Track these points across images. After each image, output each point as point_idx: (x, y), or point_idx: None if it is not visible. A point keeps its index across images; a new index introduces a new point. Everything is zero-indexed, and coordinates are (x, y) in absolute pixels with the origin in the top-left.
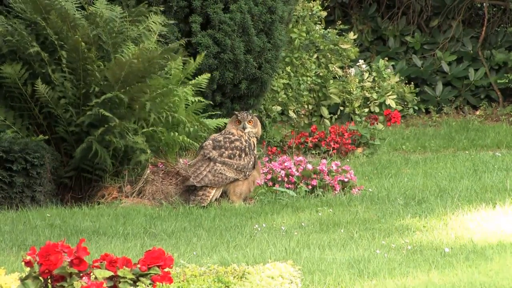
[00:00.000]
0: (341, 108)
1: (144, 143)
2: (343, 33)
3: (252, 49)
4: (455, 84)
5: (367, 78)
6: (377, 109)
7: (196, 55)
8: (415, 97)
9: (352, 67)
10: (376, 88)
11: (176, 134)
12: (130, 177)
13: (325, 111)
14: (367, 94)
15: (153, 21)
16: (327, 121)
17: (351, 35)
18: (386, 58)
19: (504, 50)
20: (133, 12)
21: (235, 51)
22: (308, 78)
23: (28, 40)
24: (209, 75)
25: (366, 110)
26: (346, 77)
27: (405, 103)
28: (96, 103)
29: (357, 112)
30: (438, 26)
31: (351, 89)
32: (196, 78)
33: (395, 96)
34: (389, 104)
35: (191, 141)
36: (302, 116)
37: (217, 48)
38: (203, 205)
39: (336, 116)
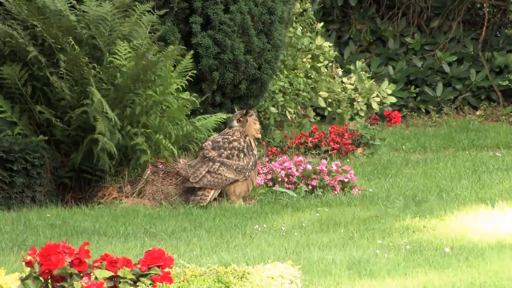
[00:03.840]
0: (329, 109)
1: (144, 143)
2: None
3: (252, 50)
4: (456, 85)
5: (348, 81)
6: (362, 114)
7: (197, 55)
8: (404, 97)
9: (338, 68)
10: (360, 90)
11: (160, 137)
12: (130, 177)
13: (311, 113)
14: (352, 95)
15: (141, 12)
16: (308, 123)
17: (327, 44)
18: (363, 60)
19: (505, 53)
20: (119, 7)
21: (235, 51)
22: (300, 79)
23: (25, 44)
24: (191, 52)
25: (350, 111)
26: (332, 78)
27: (384, 104)
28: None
29: (348, 112)
30: (439, 26)
31: (337, 90)
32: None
33: (378, 100)
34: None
35: (171, 146)
36: (300, 116)
37: (217, 48)
38: (202, 204)
39: (319, 118)
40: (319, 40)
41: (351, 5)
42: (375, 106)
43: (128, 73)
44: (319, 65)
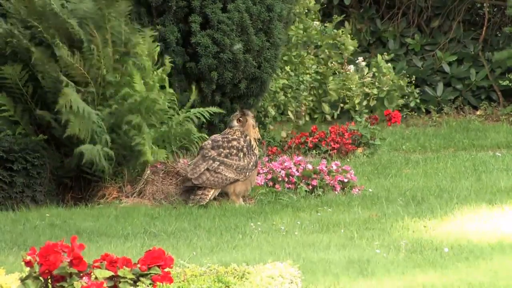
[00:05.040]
0: (342, 105)
1: (143, 142)
2: (341, 26)
3: (251, 49)
4: (456, 85)
5: (367, 73)
6: (375, 103)
7: (196, 55)
8: (417, 92)
9: (350, 64)
10: (376, 83)
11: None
12: (130, 177)
13: (326, 108)
14: (367, 90)
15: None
16: (328, 117)
17: (347, 25)
18: (386, 53)
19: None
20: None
21: (234, 50)
22: (308, 75)
23: (27, 45)
24: (168, 58)
25: (365, 103)
26: (346, 73)
27: (406, 97)
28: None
29: (357, 108)
30: (439, 26)
31: (351, 86)
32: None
33: (397, 93)
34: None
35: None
36: (302, 115)
37: (216, 48)
38: (201, 204)
39: (337, 113)
40: (334, 35)
41: (351, 5)
42: (386, 103)
43: (106, 60)
44: (329, 62)
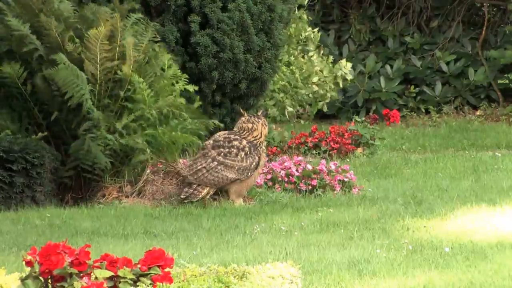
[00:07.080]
0: (310, 95)
1: (143, 143)
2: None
3: (251, 49)
4: (454, 84)
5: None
6: (332, 93)
7: (196, 54)
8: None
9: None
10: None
11: (178, 133)
12: (130, 177)
13: (289, 109)
14: (322, 78)
15: (133, 22)
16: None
17: (304, 15)
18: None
19: (503, 51)
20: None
21: (235, 50)
22: (297, 75)
23: (30, 40)
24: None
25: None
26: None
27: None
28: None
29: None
30: (438, 26)
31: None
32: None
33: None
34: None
35: (193, 138)
36: (300, 115)
37: (216, 47)
38: (193, 200)
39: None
40: (306, 31)
41: (352, 5)
42: (341, 84)
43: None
44: (310, 54)
